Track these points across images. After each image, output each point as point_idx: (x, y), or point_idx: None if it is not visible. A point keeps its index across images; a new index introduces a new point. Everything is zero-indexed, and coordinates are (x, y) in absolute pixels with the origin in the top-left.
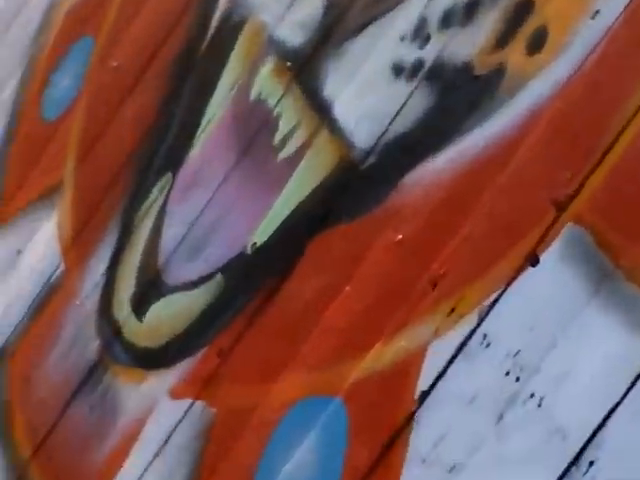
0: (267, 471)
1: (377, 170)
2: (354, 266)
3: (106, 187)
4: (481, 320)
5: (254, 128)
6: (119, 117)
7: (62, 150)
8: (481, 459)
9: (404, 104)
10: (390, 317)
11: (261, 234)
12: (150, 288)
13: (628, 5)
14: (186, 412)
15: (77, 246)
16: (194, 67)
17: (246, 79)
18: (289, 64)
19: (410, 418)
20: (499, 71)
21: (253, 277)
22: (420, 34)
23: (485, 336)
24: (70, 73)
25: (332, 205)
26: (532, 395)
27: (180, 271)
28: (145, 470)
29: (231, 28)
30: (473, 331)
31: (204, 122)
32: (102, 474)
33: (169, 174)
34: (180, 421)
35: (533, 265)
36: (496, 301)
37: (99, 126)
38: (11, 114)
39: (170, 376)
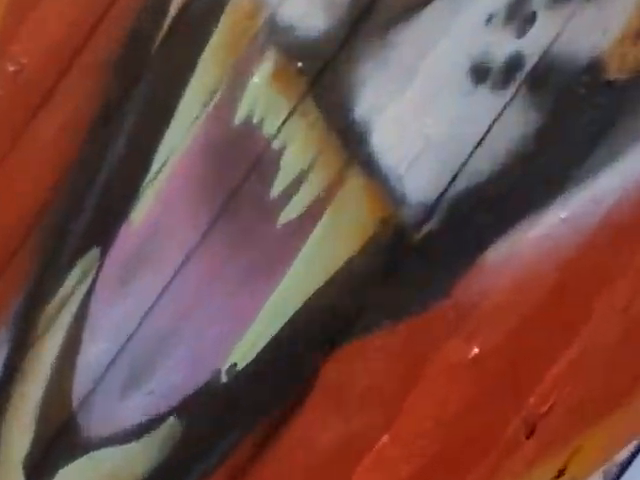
0: None
1: (442, 240)
2: (399, 399)
3: None
4: None
5: (240, 170)
6: (17, 154)
7: None
8: None
9: (490, 128)
10: None
11: (245, 350)
12: (58, 442)
13: None
14: None
15: None
16: (144, 70)
17: (229, 89)
18: (300, 65)
19: None
20: None
21: (231, 420)
22: (518, 12)
23: None
24: None
25: (365, 299)
26: None
27: (109, 413)
28: None
29: (204, 8)
30: None
31: (158, 160)
32: None
33: (95, 250)
34: None
35: None
36: (634, 455)
37: None
38: None
39: None
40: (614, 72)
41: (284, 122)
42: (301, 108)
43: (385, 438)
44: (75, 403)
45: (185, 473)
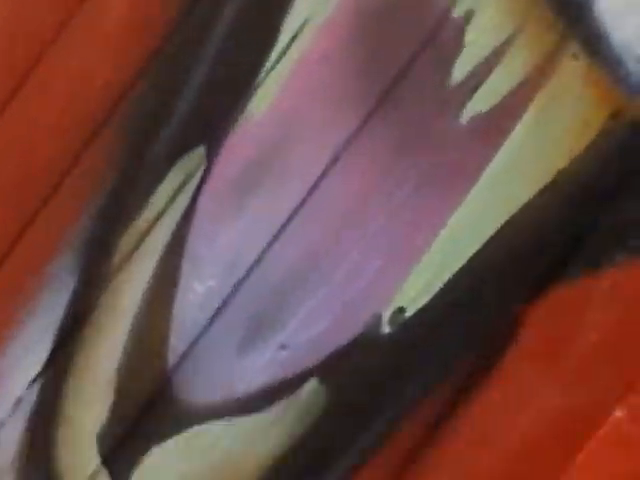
0: None
1: None
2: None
3: (51, 183)
4: None
5: (408, 46)
6: (79, 22)
7: None
8: None
9: None
10: None
11: (417, 291)
12: (148, 413)
13: None
14: None
15: None
16: None
17: None
18: None
19: None
20: None
21: (395, 384)
22: None
23: None
24: None
25: (589, 221)
26: None
27: (221, 375)
28: None
29: None
30: None
31: (286, 35)
32: None
33: (200, 150)
34: None
35: None
36: None
37: (34, 43)
38: None
39: None
40: None
41: None
42: None
43: (619, 413)
44: (172, 361)
45: (331, 456)
